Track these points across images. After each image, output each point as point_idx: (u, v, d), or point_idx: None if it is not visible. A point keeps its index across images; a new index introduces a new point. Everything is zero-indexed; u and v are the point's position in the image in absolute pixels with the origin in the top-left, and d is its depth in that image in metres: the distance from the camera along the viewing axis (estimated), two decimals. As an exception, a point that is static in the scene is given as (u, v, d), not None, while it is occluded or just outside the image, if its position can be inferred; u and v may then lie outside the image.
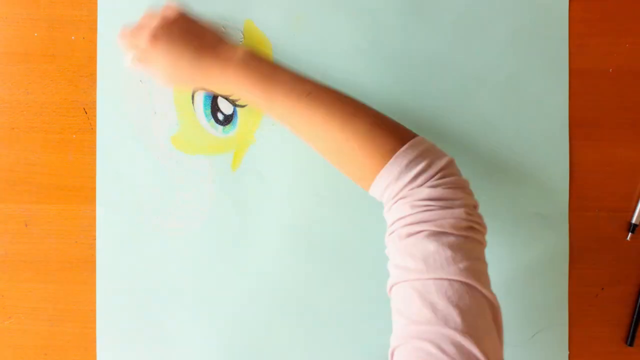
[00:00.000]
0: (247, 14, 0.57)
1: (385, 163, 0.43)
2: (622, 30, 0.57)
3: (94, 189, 0.58)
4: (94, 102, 0.57)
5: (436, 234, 0.41)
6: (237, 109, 0.57)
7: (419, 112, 0.57)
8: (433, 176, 0.43)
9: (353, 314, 0.57)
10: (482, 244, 0.43)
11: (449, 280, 0.39)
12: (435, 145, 0.46)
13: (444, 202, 0.42)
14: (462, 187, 0.44)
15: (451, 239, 0.41)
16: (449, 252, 0.40)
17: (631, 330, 0.57)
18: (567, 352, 0.58)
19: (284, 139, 0.57)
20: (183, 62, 0.49)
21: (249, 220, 0.57)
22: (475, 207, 0.44)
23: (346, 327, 0.57)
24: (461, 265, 0.40)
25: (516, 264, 0.57)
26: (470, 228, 0.42)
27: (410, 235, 0.42)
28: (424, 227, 0.41)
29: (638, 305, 0.57)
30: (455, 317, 0.38)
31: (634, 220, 0.57)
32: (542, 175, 0.57)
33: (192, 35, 0.49)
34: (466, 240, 0.41)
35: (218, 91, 0.52)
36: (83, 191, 0.58)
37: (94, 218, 0.58)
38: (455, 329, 0.38)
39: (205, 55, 0.48)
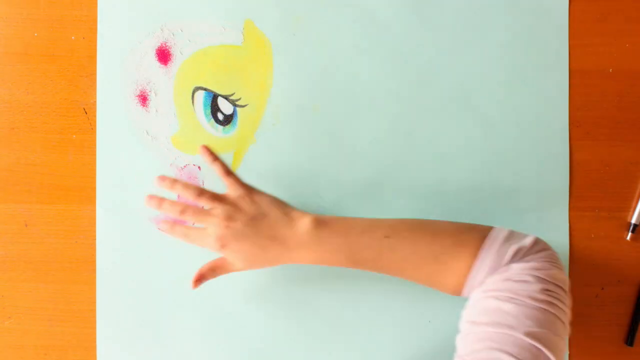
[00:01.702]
0: (247, 14, 0.57)
1: (474, 261, 0.44)
2: (622, 30, 0.57)
3: (94, 189, 0.58)
4: (94, 102, 0.57)
5: (512, 299, 0.41)
6: (237, 109, 0.57)
7: (419, 112, 0.57)
8: (524, 254, 0.44)
9: (353, 315, 0.57)
10: (560, 320, 0.41)
11: (514, 336, 0.39)
12: (513, 230, 0.47)
13: (533, 272, 0.42)
14: (551, 261, 0.44)
15: (527, 306, 0.40)
16: (520, 315, 0.40)
17: (631, 330, 0.57)
18: (567, 352, 0.58)
19: (284, 139, 0.57)
20: (256, 256, 0.49)
21: (249, 220, 0.57)
22: (563, 281, 0.43)
23: (346, 328, 0.57)
24: (529, 329, 0.39)
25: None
26: (548, 302, 0.41)
27: (490, 297, 0.42)
28: (504, 293, 0.41)
29: (638, 305, 0.57)
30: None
31: (634, 220, 0.57)
32: (542, 175, 0.57)
33: (256, 230, 0.48)
34: (541, 311, 0.40)
35: (299, 263, 0.50)
36: (83, 191, 0.58)
37: (94, 218, 0.58)
38: None
39: (275, 244, 0.48)
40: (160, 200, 0.52)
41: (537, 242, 0.45)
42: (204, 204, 0.51)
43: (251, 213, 0.49)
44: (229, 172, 0.52)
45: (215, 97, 0.57)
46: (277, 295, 0.57)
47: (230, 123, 0.57)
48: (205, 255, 0.57)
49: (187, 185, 0.51)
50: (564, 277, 0.44)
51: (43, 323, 0.58)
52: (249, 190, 0.51)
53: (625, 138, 0.58)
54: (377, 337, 0.57)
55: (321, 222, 0.48)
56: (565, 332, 0.42)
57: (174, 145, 0.57)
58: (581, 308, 0.58)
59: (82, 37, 0.57)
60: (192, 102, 0.57)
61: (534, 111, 0.57)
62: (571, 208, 0.57)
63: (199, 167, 0.58)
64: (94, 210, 0.58)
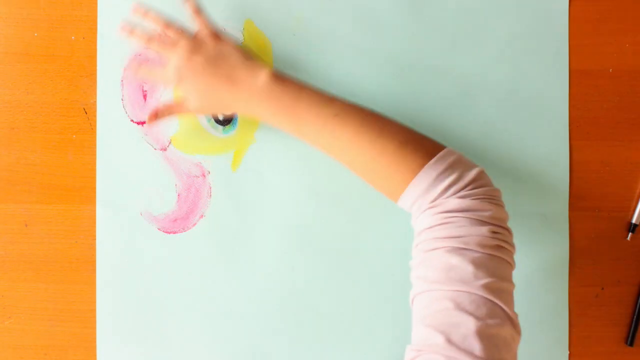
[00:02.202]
0: (247, 14, 0.57)
1: (415, 176, 0.44)
2: (622, 30, 0.57)
3: (94, 189, 0.58)
4: (94, 102, 0.57)
5: (460, 250, 0.40)
6: (237, 109, 0.57)
7: (419, 112, 0.57)
8: (463, 187, 0.43)
9: (353, 314, 0.57)
10: (509, 264, 0.42)
11: (469, 293, 0.39)
12: (464, 156, 0.46)
13: (472, 214, 0.42)
14: (492, 198, 0.44)
15: (475, 255, 0.40)
16: (470, 268, 0.40)
17: (631, 330, 0.57)
18: (567, 352, 0.58)
19: (284, 139, 0.57)
20: (210, 94, 0.51)
21: (249, 220, 0.57)
22: (504, 220, 0.44)
23: (346, 327, 0.57)
24: (482, 282, 0.39)
25: (516, 264, 0.57)
26: (497, 247, 0.41)
27: (435, 249, 0.42)
28: (448, 243, 0.41)
29: (638, 305, 0.57)
30: (469, 322, 0.38)
31: (634, 220, 0.57)
32: (542, 175, 0.57)
33: (214, 68, 0.50)
34: (491, 258, 0.41)
35: (247, 116, 0.54)
36: (83, 191, 0.58)
37: (94, 218, 0.58)
38: (469, 329, 0.37)
39: (229, 85, 0.50)
40: (132, 29, 0.53)
41: (480, 176, 0.44)
42: (172, 34, 0.52)
43: (214, 52, 0.50)
44: (199, 12, 0.53)
45: (215, 97, 0.57)
46: (277, 295, 0.57)
47: (230, 123, 0.57)
48: (205, 255, 0.57)
49: (158, 16, 0.53)
50: (505, 215, 0.44)
51: (43, 323, 0.58)
52: (217, 32, 0.52)
53: (625, 138, 0.58)
54: (377, 337, 0.57)
55: (278, 78, 0.49)
56: (512, 270, 0.42)
57: (174, 145, 0.57)
58: (581, 308, 0.58)
59: (82, 37, 0.57)
60: (192, 102, 0.57)
61: (534, 111, 0.57)
62: (571, 208, 0.57)
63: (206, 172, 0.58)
64: (94, 210, 0.58)
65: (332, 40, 0.57)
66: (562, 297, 0.57)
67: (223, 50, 0.51)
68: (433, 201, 0.43)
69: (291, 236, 0.57)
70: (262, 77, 0.49)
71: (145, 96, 0.57)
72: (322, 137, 0.48)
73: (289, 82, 0.49)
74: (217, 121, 0.57)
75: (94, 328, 0.58)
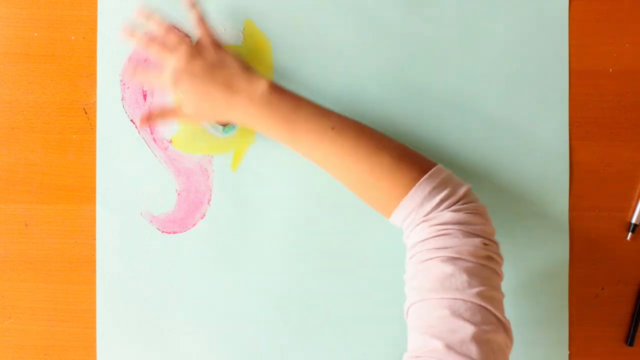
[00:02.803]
0: (247, 14, 0.57)
1: (408, 192, 0.45)
2: (622, 30, 0.57)
3: (94, 189, 0.58)
4: (94, 102, 0.57)
5: (454, 259, 0.42)
6: (237, 109, 0.57)
7: (419, 112, 0.57)
8: (456, 202, 0.45)
9: (353, 314, 0.57)
10: (498, 274, 0.44)
11: (464, 300, 0.40)
12: (453, 174, 0.48)
13: (464, 226, 0.43)
14: (481, 213, 0.45)
15: (469, 264, 0.41)
16: (464, 276, 0.41)
17: (631, 330, 0.57)
18: (567, 352, 0.58)
19: (284, 139, 0.57)
20: (206, 100, 0.50)
21: (248, 220, 0.57)
22: (492, 233, 0.45)
23: (346, 327, 0.57)
24: (476, 290, 0.40)
25: (516, 264, 0.57)
26: (488, 257, 0.43)
27: (430, 259, 0.43)
28: (443, 253, 0.42)
29: (638, 305, 0.57)
30: (466, 328, 0.39)
31: (634, 220, 0.57)
32: (542, 175, 0.57)
33: (213, 75, 0.50)
34: (483, 268, 0.42)
35: (242, 125, 0.53)
36: (83, 191, 0.58)
37: (94, 218, 0.58)
38: (466, 335, 0.38)
39: (227, 93, 0.50)
40: (132, 32, 0.53)
41: (469, 192, 0.46)
42: (173, 39, 0.52)
43: (213, 60, 0.51)
44: (203, 20, 0.53)
45: (215, 97, 0.57)
46: (277, 295, 0.57)
47: (230, 123, 0.57)
48: (205, 255, 0.57)
49: (161, 20, 0.53)
50: (493, 229, 0.46)
51: (43, 323, 0.58)
52: (218, 43, 0.53)
53: (625, 138, 0.58)
54: (377, 337, 0.57)
55: (277, 89, 0.49)
56: (500, 281, 0.44)
57: (174, 145, 0.57)
58: (581, 308, 0.58)
59: (82, 37, 0.57)
60: (192, 102, 0.57)
61: (534, 111, 0.57)
62: (571, 208, 0.57)
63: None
64: (94, 210, 0.58)
65: (332, 40, 0.57)
66: (562, 297, 0.57)
67: (223, 59, 0.51)
68: (427, 214, 0.45)
69: (291, 236, 0.57)
70: (261, 87, 0.49)
71: (145, 96, 0.57)
72: (319, 149, 0.49)
73: (287, 93, 0.50)
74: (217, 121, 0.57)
75: (94, 328, 0.58)
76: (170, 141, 0.58)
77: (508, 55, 0.57)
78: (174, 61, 0.51)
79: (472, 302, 0.40)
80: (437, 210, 0.44)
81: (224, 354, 0.58)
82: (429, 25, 0.57)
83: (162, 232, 0.57)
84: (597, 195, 0.58)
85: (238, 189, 0.57)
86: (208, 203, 0.57)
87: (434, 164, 0.47)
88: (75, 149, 0.58)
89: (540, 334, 0.57)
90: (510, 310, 0.44)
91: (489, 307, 0.40)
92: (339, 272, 0.57)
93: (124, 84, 0.57)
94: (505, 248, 0.57)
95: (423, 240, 0.44)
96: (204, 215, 0.57)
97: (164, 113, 0.54)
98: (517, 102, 0.57)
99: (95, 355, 0.58)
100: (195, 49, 0.51)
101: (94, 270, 0.58)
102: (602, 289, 0.58)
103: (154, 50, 0.52)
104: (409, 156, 0.48)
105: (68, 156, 0.58)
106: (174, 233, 0.57)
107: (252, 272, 0.57)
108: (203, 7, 0.54)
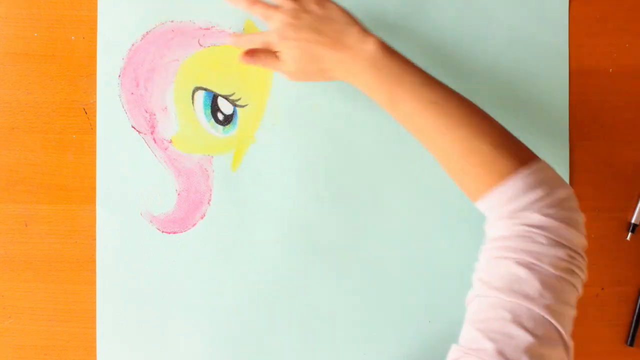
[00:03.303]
0: (247, 14, 0.57)
1: (502, 182, 0.42)
2: (622, 30, 0.57)
3: (94, 189, 0.58)
4: (94, 102, 0.57)
5: (531, 264, 0.40)
6: (237, 109, 0.57)
7: (419, 112, 0.57)
8: (549, 206, 0.41)
9: (353, 314, 0.57)
10: (576, 290, 0.41)
11: (529, 309, 0.38)
12: (557, 173, 0.44)
13: (552, 234, 0.40)
14: (575, 224, 0.42)
15: (546, 274, 0.39)
16: (537, 285, 0.39)
17: (631, 330, 0.57)
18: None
19: (284, 139, 0.57)
20: (311, 56, 0.48)
21: (248, 220, 0.57)
22: (583, 246, 0.43)
23: (346, 327, 0.57)
24: (546, 302, 0.38)
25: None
26: (569, 271, 0.40)
27: (505, 257, 0.41)
28: (521, 255, 0.40)
29: (638, 305, 0.57)
30: (523, 337, 0.37)
31: (634, 220, 0.57)
32: (542, 175, 0.57)
33: (320, 29, 0.48)
34: (560, 281, 0.40)
35: (344, 81, 0.50)
36: (83, 191, 0.58)
37: (94, 218, 0.58)
38: (521, 344, 0.37)
39: (335, 48, 0.47)
40: None
41: (569, 197, 0.43)
42: None
43: (318, 15, 0.48)
44: None
45: (215, 97, 0.57)
46: (277, 295, 0.57)
47: (230, 123, 0.57)
48: (205, 255, 0.57)
49: None
50: (585, 242, 0.43)
51: (43, 323, 0.58)
52: None
53: (625, 138, 0.58)
54: (377, 336, 0.57)
55: (386, 50, 0.47)
56: (577, 297, 0.41)
57: (174, 145, 0.57)
58: (581, 308, 0.57)
59: (82, 37, 0.57)
60: (192, 102, 0.57)
61: (534, 111, 0.57)
62: (571, 208, 0.57)
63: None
64: (94, 210, 0.58)
65: (332, 40, 0.57)
66: (562, 297, 0.57)
67: (330, 13, 0.49)
68: (516, 212, 0.42)
69: (291, 236, 0.57)
70: (371, 44, 0.47)
71: (144, 97, 0.57)
72: (416, 121, 0.46)
73: (396, 56, 0.47)
74: (217, 121, 0.57)
75: (94, 328, 0.58)
76: (170, 141, 0.58)
77: (508, 55, 0.57)
78: (278, 18, 0.48)
79: (537, 313, 0.38)
80: (527, 210, 0.41)
81: (223, 354, 0.58)
82: (429, 25, 0.57)
83: (162, 232, 0.57)
84: (597, 195, 0.58)
85: (238, 189, 0.57)
86: (208, 203, 0.57)
87: (536, 158, 0.44)
88: (75, 149, 0.58)
89: (540, 334, 0.57)
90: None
91: (554, 322, 0.38)
92: (339, 272, 0.57)
93: (123, 83, 0.57)
94: (505, 248, 0.57)
95: (504, 237, 0.41)
96: (204, 215, 0.57)
97: (267, 55, 0.51)
98: (517, 102, 0.57)
99: (95, 355, 0.58)
100: (300, 4, 0.49)
101: (94, 270, 0.58)
102: (602, 289, 0.58)
103: (259, 8, 0.50)
104: (509, 146, 0.44)
105: (68, 156, 0.58)
106: (174, 233, 0.57)
107: (252, 272, 0.57)
108: None
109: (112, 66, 0.57)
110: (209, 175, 0.58)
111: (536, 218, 0.41)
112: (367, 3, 0.57)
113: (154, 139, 0.57)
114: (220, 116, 0.57)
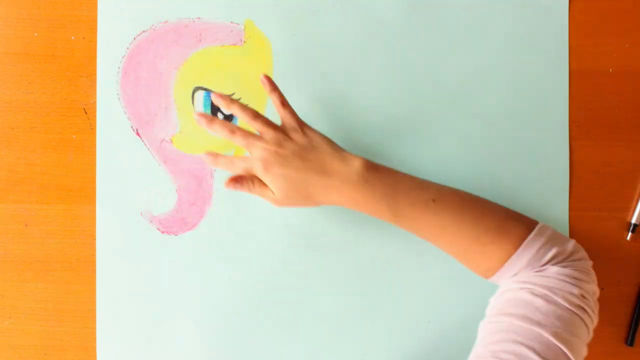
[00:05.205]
0: (247, 14, 0.57)
1: (514, 251, 0.45)
2: (622, 30, 0.57)
3: (94, 189, 0.58)
4: (94, 102, 0.57)
5: (545, 296, 0.42)
6: (237, 109, 0.57)
7: (419, 112, 0.57)
8: (565, 259, 0.45)
9: (353, 314, 0.57)
10: (586, 328, 0.43)
11: (540, 334, 0.40)
12: (556, 230, 0.47)
13: (569, 278, 0.43)
14: (587, 272, 0.45)
15: (559, 306, 0.41)
16: (551, 315, 0.41)
17: (631, 330, 0.57)
18: None
19: (284, 139, 0.57)
20: (299, 186, 0.48)
21: (249, 220, 0.57)
22: (595, 293, 0.45)
23: (346, 327, 0.57)
24: (557, 330, 0.40)
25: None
26: (581, 308, 0.42)
27: (522, 288, 0.43)
28: (537, 288, 0.42)
29: (638, 305, 0.57)
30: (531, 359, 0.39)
31: (634, 220, 0.57)
32: (542, 175, 0.57)
33: (306, 157, 0.48)
34: (572, 315, 0.42)
35: (337, 205, 0.50)
36: (83, 191, 0.58)
37: (94, 218, 0.58)
38: None
39: (321, 176, 0.48)
40: (212, 119, 0.51)
41: (577, 249, 0.46)
42: (258, 127, 0.50)
43: (302, 144, 0.49)
44: (285, 104, 0.51)
45: (215, 97, 0.57)
46: (277, 295, 0.57)
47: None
48: (205, 255, 0.57)
49: (244, 107, 0.51)
50: (596, 289, 0.45)
51: (43, 323, 0.58)
52: (303, 124, 0.51)
53: (625, 138, 0.58)
54: (377, 336, 0.57)
55: (372, 166, 0.48)
56: (588, 339, 0.43)
57: (174, 145, 0.58)
58: (581, 308, 0.57)
59: (82, 37, 0.57)
60: (193, 102, 0.57)
61: (534, 111, 0.57)
62: (571, 208, 0.57)
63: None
64: (94, 210, 0.58)
65: (332, 40, 0.57)
66: (562, 297, 0.57)
67: (312, 141, 0.49)
68: (535, 271, 0.45)
69: (291, 236, 0.57)
70: (356, 166, 0.47)
71: (145, 96, 0.57)
72: (421, 222, 0.47)
73: (382, 169, 0.48)
74: (217, 121, 0.57)
75: (94, 328, 0.58)
76: (171, 141, 0.58)
77: (508, 55, 0.57)
78: (261, 152, 0.48)
79: (548, 339, 0.39)
80: (545, 270, 0.44)
81: (223, 354, 0.58)
82: (429, 25, 0.57)
83: (162, 232, 0.58)
84: (597, 195, 0.58)
85: (238, 189, 0.57)
86: (208, 203, 0.57)
87: (536, 221, 0.47)
88: (75, 149, 0.58)
89: (540, 334, 0.57)
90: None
91: (565, 349, 0.39)
92: (339, 272, 0.57)
93: (123, 83, 0.57)
94: (505, 248, 0.57)
95: (520, 280, 0.44)
96: (204, 215, 0.57)
97: (253, 182, 0.50)
98: (517, 102, 0.57)
99: (95, 355, 0.58)
100: (282, 134, 0.49)
101: (94, 270, 0.58)
102: (602, 289, 0.58)
103: (239, 138, 0.49)
104: (513, 216, 0.48)
105: (68, 156, 0.58)
106: (174, 233, 0.57)
107: (252, 272, 0.57)
108: (283, 93, 0.52)
109: (112, 66, 0.57)
110: (209, 176, 0.58)
111: (555, 270, 0.44)
112: (367, 3, 0.57)
113: (154, 139, 0.57)
114: (220, 116, 0.57)
